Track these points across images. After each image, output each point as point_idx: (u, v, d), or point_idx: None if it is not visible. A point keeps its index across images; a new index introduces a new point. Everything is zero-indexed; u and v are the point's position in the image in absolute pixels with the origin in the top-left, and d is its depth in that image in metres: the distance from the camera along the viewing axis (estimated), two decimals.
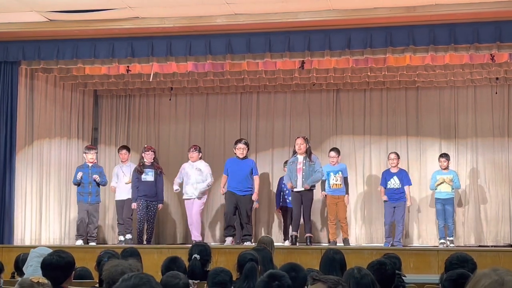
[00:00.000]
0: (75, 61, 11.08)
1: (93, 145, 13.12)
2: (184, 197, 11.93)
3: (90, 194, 11.92)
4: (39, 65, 11.33)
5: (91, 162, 12.04)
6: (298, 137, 11.37)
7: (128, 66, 11.65)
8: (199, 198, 11.74)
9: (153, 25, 10.36)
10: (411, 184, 11.96)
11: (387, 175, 11.96)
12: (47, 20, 10.44)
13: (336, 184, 11.70)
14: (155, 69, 11.65)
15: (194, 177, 11.74)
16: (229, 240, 11.25)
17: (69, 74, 12.25)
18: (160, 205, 12.05)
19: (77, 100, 13.45)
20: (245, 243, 11.13)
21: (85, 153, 12.18)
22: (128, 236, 12.12)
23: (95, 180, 11.94)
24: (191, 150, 11.93)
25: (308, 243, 11.07)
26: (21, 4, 9.78)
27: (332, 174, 11.72)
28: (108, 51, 10.80)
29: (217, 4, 9.63)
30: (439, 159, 12.02)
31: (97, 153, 12.39)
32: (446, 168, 11.89)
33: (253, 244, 10.41)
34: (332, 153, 11.94)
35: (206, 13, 10.03)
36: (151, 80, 12.03)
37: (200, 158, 11.96)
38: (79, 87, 13.39)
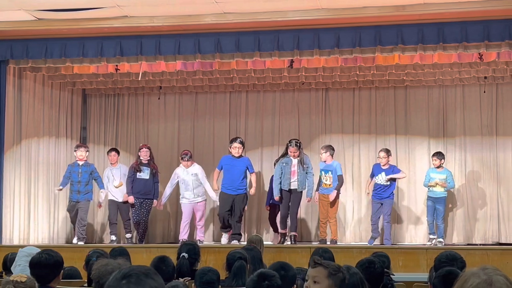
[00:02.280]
0: (64, 60, 11.04)
1: (85, 144, 13.04)
2: (182, 201, 11.93)
3: (79, 192, 11.83)
4: (27, 64, 11.28)
5: (81, 160, 11.96)
6: (290, 145, 11.18)
7: (116, 65, 11.63)
8: (203, 200, 11.86)
9: (142, 24, 10.34)
10: (399, 172, 11.90)
11: (376, 169, 11.93)
12: (36, 19, 10.40)
13: (325, 184, 11.64)
14: (144, 68, 11.63)
15: (192, 183, 11.77)
16: (225, 236, 11.41)
17: (58, 73, 12.22)
18: (155, 201, 12.05)
19: (66, 99, 13.40)
20: (232, 241, 11.16)
21: (75, 150, 12.14)
22: (128, 235, 12.25)
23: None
24: (185, 159, 11.80)
25: (293, 242, 11.06)
26: (10, 3, 9.74)
27: (323, 173, 11.68)
28: (96, 50, 10.78)
29: (206, 3, 9.62)
30: (432, 157, 12.02)
31: (87, 151, 12.29)
32: (439, 167, 11.86)
33: (241, 243, 10.43)
34: (322, 150, 11.86)
35: (195, 12, 10.02)
36: (140, 79, 12.01)
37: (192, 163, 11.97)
38: (68, 86, 13.34)
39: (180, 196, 11.97)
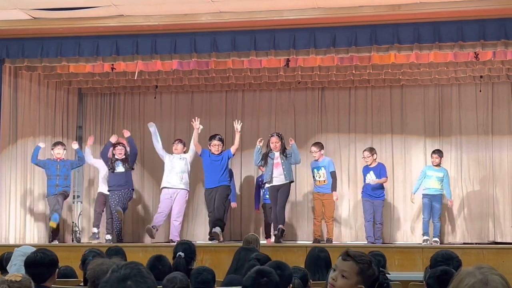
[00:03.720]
0: (60, 59, 11.02)
1: (63, 142, 12.77)
2: (165, 185, 11.68)
3: (57, 186, 11.63)
4: (23, 63, 11.26)
5: (58, 158, 11.80)
6: (272, 136, 11.30)
7: (112, 64, 11.62)
8: (185, 190, 11.63)
9: (138, 23, 10.34)
10: (386, 177, 11.91)
11: (365, 171, 11.99)
12: (31, 18, 10.39)
13: (319, 181, 11.65)
14: (139, 67, 11.61)
15: (180, 167, 11.66)
16: (217, 229, 11.04)
17: (53, 72, 12.21)
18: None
19: (62, 99, 13.38)
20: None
21: (52, 148, 11.93)
22: (106, 236, 11.98)
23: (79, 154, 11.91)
24: (176, 142, 11.89)
25: (279, 235, 10.94)
26: (5, 2, 9.73)
27: (315, 170, 11.70)
28: (92, 49, 10.76)
29: (202, 2, 9.63)
30: (431, 155, 11.99)
31: (65, 149, 12.09)
32: (438, 165, 11.85)
33: (236, 241, 10.42)
34: (313, 148, 11.82)
35: (191, 11, 10.02)
36: (135, 78, 12.00)
37: (185, 152, 11.90)
38: (64, 85, 13.32)
39: (162, 182, 11.73)
